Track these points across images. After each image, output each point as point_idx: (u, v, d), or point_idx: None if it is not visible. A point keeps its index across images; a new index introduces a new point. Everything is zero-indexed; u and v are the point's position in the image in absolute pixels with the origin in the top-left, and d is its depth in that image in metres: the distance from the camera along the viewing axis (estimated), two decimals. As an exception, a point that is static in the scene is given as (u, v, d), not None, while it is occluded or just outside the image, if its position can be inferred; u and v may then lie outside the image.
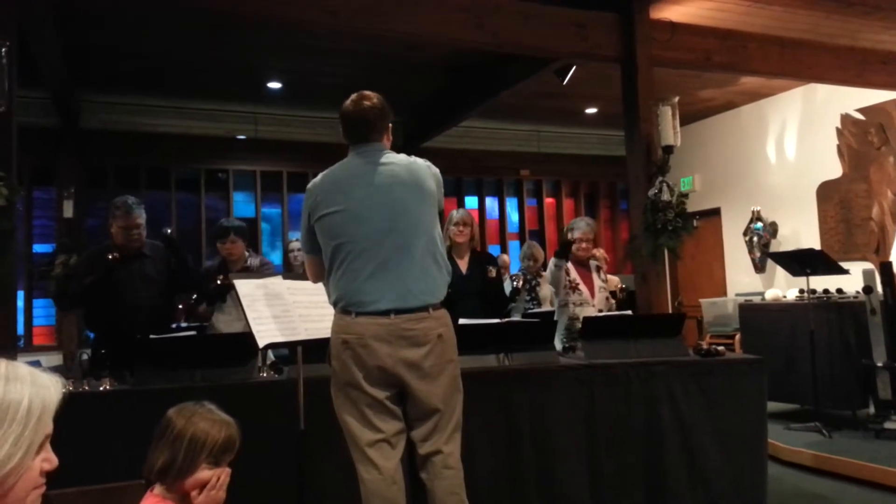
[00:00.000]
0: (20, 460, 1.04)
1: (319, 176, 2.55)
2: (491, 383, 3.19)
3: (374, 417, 2.38)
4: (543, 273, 5.80)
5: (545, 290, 5.68)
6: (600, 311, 4.31)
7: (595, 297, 4.44)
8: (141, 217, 3.87)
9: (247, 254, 4.28)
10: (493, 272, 4.23)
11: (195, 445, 1.64)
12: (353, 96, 2.55)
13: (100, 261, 3.81)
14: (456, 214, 4.35)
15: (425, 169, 2.53)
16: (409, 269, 2.41)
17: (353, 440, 2.41)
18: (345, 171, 2.50)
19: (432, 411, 2.41)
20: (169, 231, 4.02)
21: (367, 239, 2.40)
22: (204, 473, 1.65)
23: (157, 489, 1.64)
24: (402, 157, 2.54)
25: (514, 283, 5.22)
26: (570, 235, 4.57)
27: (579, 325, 4.03)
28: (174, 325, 4.45)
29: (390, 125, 2.60)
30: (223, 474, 1.69)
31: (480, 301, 4.14)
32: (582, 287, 4.43)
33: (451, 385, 2.46)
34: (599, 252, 6.56)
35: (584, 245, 4.49)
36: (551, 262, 4.51)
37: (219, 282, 3.76)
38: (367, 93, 2.56)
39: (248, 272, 4.05)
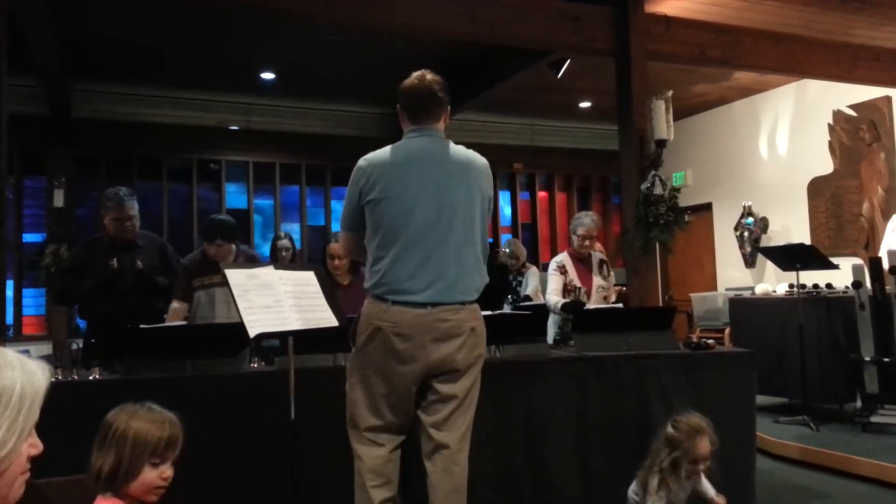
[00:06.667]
0: (14, 446, 1.05)
1: (376, 153, 2.45)
2: (482, 375, 3.18)
3: (385, 407, 2.37)
4: (528, 265, 5.79)
5: (532, 286, 5.63)
6: None
7: (592, 296, 4.40)
8: (133, 209, 3.84)
9: (234, 248, 3.92)
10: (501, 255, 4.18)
11: (138, 445, 1.60)
12: (415, 74, 2.49)
13: (95, 255, 3.79)
14: None
15: (483, 167, 2.50)
16: (452, 264, 2.39)
17: (354, 419, 2.41)
18: (406, 156, 2.43)
19: (450, 397, 2.39)
20: (140, 265, 3.80)
21: (416, 230, 2.36)
22: (149, 475, 1.62)
23: (108, 496, 1.61)
24: (462, 149, 2.49)
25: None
26: (573, 232, 4.50)
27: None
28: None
29: (449, 108, 2.54)
30: (167, 471, 1.65)
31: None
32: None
33: (475, 377, 2.46)
34: (597, 246, 6.55)
35: (587, 243, 4.46)
36: (552, 268, 4.49)
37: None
38: (428, 71, 2.49)
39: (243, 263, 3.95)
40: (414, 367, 2.34)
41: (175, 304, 3.83)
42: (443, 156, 2.43)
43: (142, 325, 3.09)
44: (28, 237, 7.40)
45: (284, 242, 5.33)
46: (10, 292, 7.16)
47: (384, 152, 2.44)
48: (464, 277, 2.41)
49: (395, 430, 2.41)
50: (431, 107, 2.47)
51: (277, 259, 5.50)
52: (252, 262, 3.90)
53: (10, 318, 7.15)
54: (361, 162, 2.45)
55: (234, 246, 3.81)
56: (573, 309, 4.02)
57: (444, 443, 2.38)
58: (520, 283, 5.66)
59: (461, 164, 2.45)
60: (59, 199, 6.49)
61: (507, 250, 5.84)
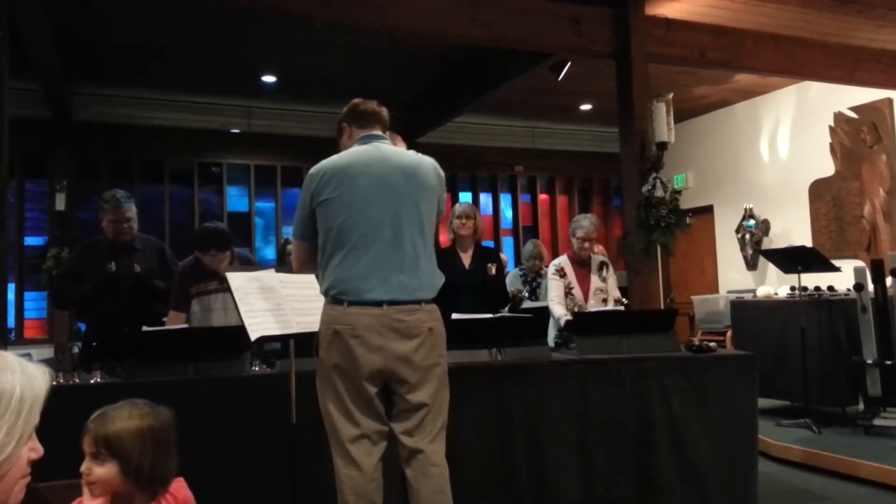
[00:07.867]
0: (13, 450, 1.05)
1: (326, 160, 2.50)
2: (483, 378, 3.18)
3: (357, 412, 2.35)
4: (545, 269, 5.70)
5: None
6: None
7: (589, 299, 4.40)
8: (131, 210, 3.82)
9: (228, 255, 3.79)
10: (492, 270, 4.17)
11: None
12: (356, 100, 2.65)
13: (93, 259, 3.78)
14: (458, 208, 4.31)
15: (431, 167, 2.55)
16: (405, 262, 2.40)
17: (335, 433, 2.38)
18: (354, 158, 2.48)
19: (419, 406, 2.39)
20: (138, 268, 3.77)
21: (367, 228, 2.38)
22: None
23: None
24: (412, 152, 2.56)
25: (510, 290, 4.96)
26: (573, 235, 4.49)
27: None
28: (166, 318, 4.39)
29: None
30: (84, 465, 1.58)
31: (483, 296, 4.11)
32: (576, 291, 4.40)
33: (439, 380, 2.45)
34: (598, 248, 6.54)
35: (586, 245, 4.47)
36: (551, 272, 4.48)
37: None
38: None
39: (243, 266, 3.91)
40: (371, 368, 2.33)
41: (172, 314, 3.71)
42: (392, 157, 2.49)
43: (143, 328, 3.09)
44: (29, 240, 7.41)
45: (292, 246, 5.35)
46: (11, 295, 7.16)
47: (334, 158, 2.51)
48: (418, 274, 2.42)
49: (375, 437, 2.38)
50: (379, 115, 2.60)
51: (284, 262, 5.55)
52: (247, 264, 3.89)
53: (11, 322, 7.16)
54: (312, 170, 2.51)
55: (228, 252, 3.69)
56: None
57: (418, 447, 2.38)
58: (539, 285, 5.54)
59: (410, 164, 2.50)
60: (60, 203, 6.51)
61: (532, 249, 5.71)
